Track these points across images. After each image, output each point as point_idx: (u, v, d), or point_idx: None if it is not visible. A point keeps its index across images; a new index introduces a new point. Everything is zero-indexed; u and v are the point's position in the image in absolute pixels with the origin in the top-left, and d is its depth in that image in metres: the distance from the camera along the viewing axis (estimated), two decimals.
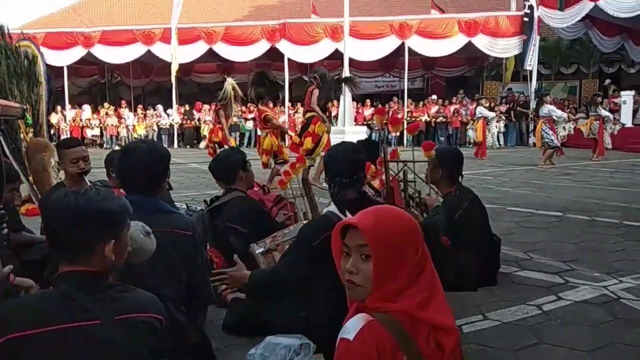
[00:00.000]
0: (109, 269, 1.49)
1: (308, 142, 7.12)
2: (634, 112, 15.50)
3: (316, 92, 7.34)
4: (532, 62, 17.55)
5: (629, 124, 15.26)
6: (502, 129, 17.93)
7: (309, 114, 7.46)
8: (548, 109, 10.95)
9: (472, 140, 17.22)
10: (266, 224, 3.36)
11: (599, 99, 12.65)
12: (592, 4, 15.25)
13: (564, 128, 12.05)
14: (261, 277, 2.58)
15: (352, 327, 1.24)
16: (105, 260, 1.45)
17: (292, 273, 2.43)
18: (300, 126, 7.58)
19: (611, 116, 13.17)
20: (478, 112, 13.50)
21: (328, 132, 7.47)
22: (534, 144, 16.65)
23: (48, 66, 6.59)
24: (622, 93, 16.09)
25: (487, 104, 14.04)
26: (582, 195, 6.91)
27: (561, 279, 3.49)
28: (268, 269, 2.75)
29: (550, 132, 10.69)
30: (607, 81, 17.14)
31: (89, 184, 3.23)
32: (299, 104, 19.37)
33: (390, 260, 1.26)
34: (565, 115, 11.83)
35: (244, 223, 3.26)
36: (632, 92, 16.10)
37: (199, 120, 19.45)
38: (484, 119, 13.18)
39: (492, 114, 13.53)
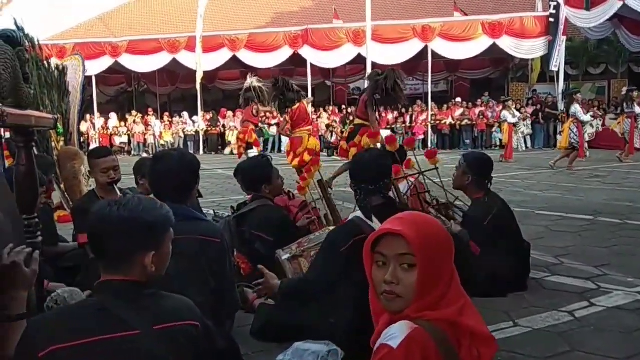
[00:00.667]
0: (150, 279, 1.49)
1: (352, 152, 6.70)
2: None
3: (370, 100, 6.71)
4: (558, 63, 17.23)
5: None
6: (530, 131, 17.63)
7: (358, 121, 6.98)
8: (575, 108, 10.66)
9: (498, 143, 17.07)
10: (290, 232, 3.38)
11: (635, 93, 12.12)
12: (620, 3, 14.92)
13: (591, 125, 11.61)
14: (292, 285, 2.60)
15: (396, 333, 1.20)
16: (145, 271, 1.47)
17: (321, 279, 2.44)
18: (348, 132, 7.12)
19: None
20: (502, 116, 13.32)
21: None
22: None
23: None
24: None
25: (514, 106, 13.73)
26: (613, 198, 6.75)
27: (593, 284, 3.42)
28: (297, 277, 2.76)
29: (577, 132, 10.41)
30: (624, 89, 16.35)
31: (119, 193, 3.30)
32: (329, 110, 19.50)
33: (434, 269, 1.24)
34: (589, 118, 11.36)
35: (269, 231, 3.29)
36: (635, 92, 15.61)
37: (223, 126, 19.66)
38: (509, 124, 13.01)
39: (514, 119, 13.20)
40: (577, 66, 19.74)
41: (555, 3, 16.99)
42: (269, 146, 19.11)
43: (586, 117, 10.98)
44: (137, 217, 1.45)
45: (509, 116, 13.07)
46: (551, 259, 4.00)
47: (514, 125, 12.97)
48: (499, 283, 3.24)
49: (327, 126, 18.42)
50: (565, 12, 16.56)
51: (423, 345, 1.17)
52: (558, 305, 3.05)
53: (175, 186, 2.23)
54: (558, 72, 17.41)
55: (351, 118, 7.27)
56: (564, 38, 17.14)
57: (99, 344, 1.35)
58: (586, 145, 11.13)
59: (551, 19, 17.14)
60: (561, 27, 16.81)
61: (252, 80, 9.64)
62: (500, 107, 14.98)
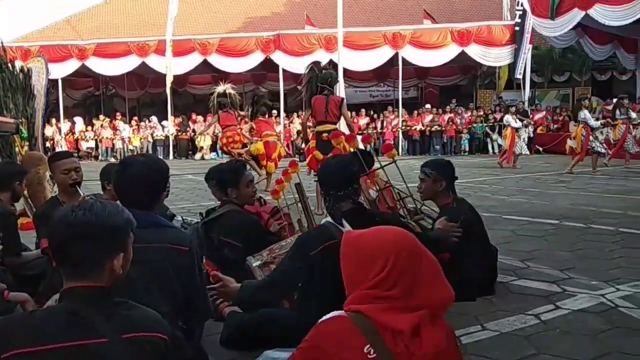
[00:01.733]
0: (115, 283, 1.47)
1: None
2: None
3: (345, 102, 6.51)
4: (522, 71, 17.66)
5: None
6: (497, 137, 18.00)
7: (331, 127, 6.34)
8: (584, 114, 10.69)
9: (496, 149, 17.42)
10: (260, 238, 3.34)
11: (625, 101, 12.31)
12: (582, 13, 15.40)
13: (601, 132, 11.66)
14: (254, 285, 2.55)
15: (325, 317, 1.50)
16: (113, 275, 1.45)
17: (286, 280, 2.41)
18: (315, 140, 6.56)
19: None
20: (505, 121, 13.27)
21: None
22: (532, 151, 16.73)
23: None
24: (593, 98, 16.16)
25: (515, 112, 13.64)
26: (578, 203, 6.93)
27: (559, 287, 3.49)
28: (261, 278, 2.73)
29: (591, 138, 10.54)
30: (584, 97, 16.62)
31: (82, 194, 3.21)
32: (301, 115, 19.46)
33: (352, 272, 1.52)
34: (598, 123, 11.38)
35: (238, 237, 3.25)
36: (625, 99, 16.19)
37: (194, 131, 19.45)
38: (512, 128, 12.89)
39: (518, 124, 13.10)
40: (542, 74, 20.28)
41: (520, 12, 17.44)
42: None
43: (596, 123, 11.02)
44: (104, 221, 1.43)
45: (512, 121, 13.01)
46: (518, 263, 4.08)
47: (517, 130, 12.80)
48: (468, 287, 3.28)
49: (298, 132, 18.39)
50: (531, 20, 17.01)
51: (341, 326, 1.45)
52: (525, 309, 3.11)
53: (143, 192, 2.17)
54: (524, 80, 17.84)
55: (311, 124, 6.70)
56: (530, 46, 17.58)
57: (64, 351, 1.32)
58: (605, 149, 11.15)
59: (517, 27, 17.58)
60: (527, 36, 17.25)
61: (226, 86, 9.74)
62: (502, 113, 15.17)
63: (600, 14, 15.08)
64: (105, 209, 1.45)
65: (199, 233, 3.44)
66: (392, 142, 15.74)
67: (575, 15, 15.68)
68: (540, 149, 16.81)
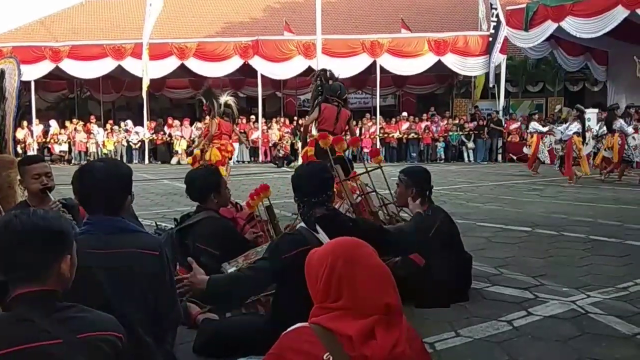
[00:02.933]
0: (63, 286, 1.48)
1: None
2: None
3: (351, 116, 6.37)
4: (493, 80, 17.98)
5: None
6: (472, 145, 18.30)
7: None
8: (620, 123, 10.70)
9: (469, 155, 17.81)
10: (236, 245, 3.32)
11: (618, 111, 12.23)
12: (555, 25, 15.79)
13: (633, 138, 11.70)
14: (222, 280, 2.51)
15: (289, 329, 1.60)
16: (61, 278, 1.45)
17: (255, 277, 2.38)
18: (314, 147, 6.42)
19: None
20: (532, 128, 13.24)
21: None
22: (506, 160, 16.99)
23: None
24: (587, 111, 16.55)
25: (539, 120, 13.60)
26: (550, 211, 7.06)
27: (531, 294, 3.54)
28: (229, 273, 2.70)
29: (622, 145, 10.61)
30: (558, 107, 16.51)
31: (52, 199, 3.14)
32: (280, 121, 19.43)
33: (309, 285, 1.63)
34: (631, 130, 11.38)
35: (214, 244, 3.22)
36: (596, 110, 16.64)
37: (169, 135, 19.25)
38: (538, 134, 12.82)
39: (545, 129, 12.97)
40: (516, 84, 20.68)
41: (495, 22, 17.79)
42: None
43: (630, 130, 11.15)
44: (51, 224, 1.44)
45: (539, 126, 12.98)
46: (491, 270, 4.13)
47: (544, 136, 12.66)
48: (443, 294, 3.31)
49: (281, 138, 18.34)
50: (506, 31, 17.35)
51: (302, 337, 1.54)
52: (497, 315, 3.14)
53: (105, 198, 2.11)
54: (499, 89, 18.17)
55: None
56: (503, 56, 17.91)
57: (18, 354, 1.31)
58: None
59: (490, 38, 17.93)
60: (498, 45, 17.57)
61: (228, 98, 9.78)
62: (526, 120, 15.11)
63: (572, 26, 15.49)
64: (47, 214, 1.48)
65: (173, 239, 3.40)
66: (377, 148, 15.84)
67: (548, 27, 16.07)
68: (514, 157, 17.11)
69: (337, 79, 6.64)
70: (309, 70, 17.73)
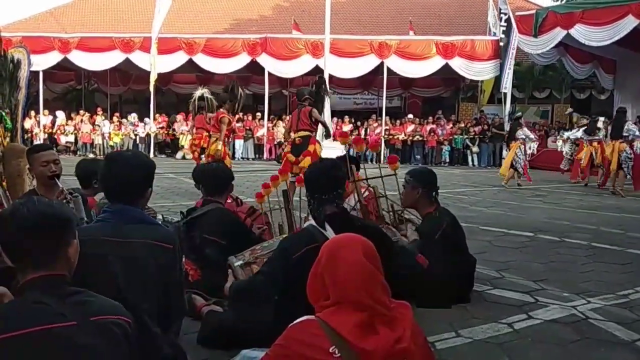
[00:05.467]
0: (70, 271, 1.52)
1: (307, 162, 6.49)
2: (604, 137, 15.89)
3: (315, 111, 7.11)
4: (507, 85, 17.96)
5: None
6: (476, 150, 18.30)
7: (303, 133, 7.12)
8: (628, 127, 10.22)
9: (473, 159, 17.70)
10: (243, 237, 3.36)
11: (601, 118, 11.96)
12: (564, 32, 15.77)
13: None
14: (239, 287, 2.58)
15: (296, 321, 1.66)
16: (69, 262, 1.50)
17: (269, 283, 2.44)
18: (290, 145, 7.21)
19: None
20: (522, 134, 11.81)
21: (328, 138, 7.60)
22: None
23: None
24: (599, 118, 16.50)
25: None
26: (553, 217, 7.08)
27: (532, 298, 3.57)
28: (246, 279, 2.75)
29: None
30: (569, 110, 16.38)
31: (61, 187, 3.17)
32: (285, 119, 19.44)
33: (311, 287, 1.73)
34: None
35: (222, 235, 3.26)
36: (603, 118, 16.58)
37: (173, 130, 19.36)
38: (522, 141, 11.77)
39: (534, 139, 12.58)
40: (523, 89, 20.66)
41: (504, 28, 17.76)
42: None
43: None
44: (57, 210, 1.49)
45: (530, 133, 12.32)
46: (493, 273, 4.15)
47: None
48: (445, 295, 3.34)
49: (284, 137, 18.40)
50: (517, 37, 17.32)
51: (308, 329, 1.60)
52: (498, 317, 3.17)
53: (129, 188, 2.18)
54: (505, 95, 18.15)
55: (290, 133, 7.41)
56: (513, 62, 17.89)
57: (35, 335, 1.35)
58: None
59: (501, 43, 17.89)
60: (512, 52, 17.53)
61: (204, 91, 9.81)
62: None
63: (581, 34, 15.47)
64: (52, 202, 1.54)
65: (180, 232, 3.44)
66: (395, 155, 15.86)
67: (558, 34, 16.04)
68: None
69: (323, 86, 7.66)
70: (317, 69, 17.80)
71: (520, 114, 13.69)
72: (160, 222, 4.27)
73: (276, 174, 4.16)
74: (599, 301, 3.52)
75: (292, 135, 7.31)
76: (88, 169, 3.62)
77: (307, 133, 7.13)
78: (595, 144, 10.81)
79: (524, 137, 11.16)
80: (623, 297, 3.62)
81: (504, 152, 13.04)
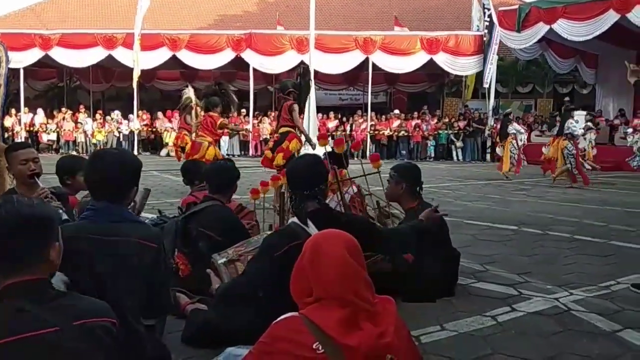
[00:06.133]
0: (52, 273, 1.49)
1: (279, 158, 6.61)
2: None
3: (296, 107, 6.91)
4: (489, 80, 18.09)
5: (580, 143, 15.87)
6: (461, 144, 18.44)
7: (284, 129, 6.96)
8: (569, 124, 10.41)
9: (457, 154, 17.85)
10: (240, 236, 3.35)
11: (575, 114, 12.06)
12: (547, 27, 15.93)
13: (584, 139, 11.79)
14: (225, 288, 2.58)
15: (280, 318, 1.65)
16: (51, 265, 1.46)
17: (253, 281, 2.43)
18: (273, 141, 7.11)
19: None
20: (512, 129, 11.97)
21: (313, 149, 7.08)
22: (494, 159, 17.08)
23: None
24: (575, 113, 16.76)
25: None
26: (536, 210, 7.16)
27: (515, 291, 3.61)
28: (230, 282, 2.74)
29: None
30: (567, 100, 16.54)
31: (41, 186, 3.13)
32: (271, 115, 19.36)
33: (294, 285, 1.73)
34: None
35: (218, 230, 3.26)
36: (584, 112, 16.83)
37: (155, 127, 19.25)
38: (513, 136, 11.92)
39: (524, 132, 12.53)
40: (506, 84, 20.83)
41: (487, 22, 17.89)
42: None
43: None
44: (36, 211, 1.43)
45: (520, 128, 12.12)
46: (477, 266, 4.19)
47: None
48: (430, 289, 3.36)
49: (271, 133, 18.33)
50: (498, 32, 17.46)
51: (292, 326, 1.60)
52: (482, 310, 3.20)
53: (115, 186, 2.16)
54: (489, 90, 18.29)
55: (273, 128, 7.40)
56: (496, 57, 18.04)
57: (18, 343, 1.32)
58: None
59: (485, 38, 18.02)
60: (495, 47, 17.68)
61: (191, 93, 9.72)
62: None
63: (564, 29, 15.63)
64: (32, 201, 1.47)
65: (178, 226, 3.44)
66: (377, 153, 15.91)
67: (540, 29, 16.20)
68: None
69: (307, 77, 7.46)
70: (302, 65, 17.76)
71: (509, 110, 13.82)
72: (155, 217, 4.26)
73: (278, 175, 4.10)
74: (581, 293, 3.56)
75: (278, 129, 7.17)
76: (66, 166, 3.56)
77: (287, 129, 6.94)
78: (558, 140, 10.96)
79: (514, 131, 11.35)
80: (605, 289, 3.67)
81: (498, 149, 12.96)
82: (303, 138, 7.22)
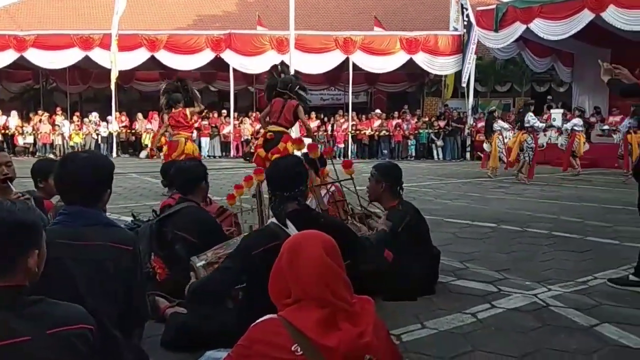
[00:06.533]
0: (31, 281, 1.44)
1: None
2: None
3: (301, 108, 6.71)
4: (467, 79, 18.28)
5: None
6: (441, 143, 18.59)
7: (278, 129, 6.61)
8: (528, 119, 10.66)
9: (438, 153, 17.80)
10: (217, 238, 3.31)
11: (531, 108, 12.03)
12: (524, 27, 16.14)
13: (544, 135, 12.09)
14: (197, 284, 2.55)
15: (258, 320, 1.65)
16: (29, 273, 1.42)
17: (227, 279, 2.41)
18: (263, 138, 6.76)
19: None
20: (497, 127, 11.95)
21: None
22: (474, 157, 17.30)
23: None
24: (552, 111, 17.07)
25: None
26: (515, 207, 7.25)
27: (495, 287, 3.64)
28: (202, 278, 2.72)
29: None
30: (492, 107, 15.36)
31: (14, 190, 3.06)
32: (252, 116, 19.27)
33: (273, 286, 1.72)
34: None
35: (194, 232, 3.22)
36: (561, 110, 17.11)
37: (134, 129, 19.02)
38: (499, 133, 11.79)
39: (509, 129, 11.91)
40: (485, 83, 21.07)
41: (466, 22, 18.08)
42: None
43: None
44: (16, 217, 1.39)
45: (506, 125, 12.01)
46: (457, 264, 4.22)
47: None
48: (410, 288, 3.38)
49: (252, 134, 18.24)
50: (476, 32, 17.64)
51: (271, 328, 1.59)
52: (462, 308, 3.22)
53: (86, 190, 2.11)
54: (468, 89, 18.47)
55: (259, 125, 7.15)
56: (474, 56, 18.23)
57: None
58: None
59: (464, 38, 18.20)
60: (473, 46, 17.87)
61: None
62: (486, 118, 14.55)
63: (540, 28, 15.86)
64: (15, 206, 1.43)
65: (152, 230, 3.38)
66: (350, 160, 15.93)
67: (517, 29, 16.41)
68: (482, 155, 17.42)
69: (286, 72, 7.15)
70: (282, 64, 17.68)
71: (494, 107, 13.89)
72: (129, 222, 4.19)
73: (250, 175, 4.07)
74: (559, 289, 3.61)
75: (268, 126, 6.83)
76: (38, 169, 3.50)
77: (282, 129, 6.64)
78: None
79: (499, 128, 11.48)
80: (582, 284, 3.73)
81: (485, 146, 12.98)
82: (307, 140, 6.97)
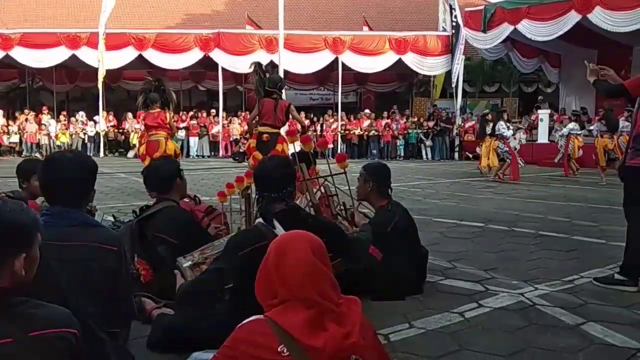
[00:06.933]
0: (19, 285, 1.41)
1: None
2: (550, 129, 16.56)
3: (293, 107, 6.68)
4: (455, 80, 18.38)
5: (545, 140, 16.29)
6: (430, 143, 18.68)
7: (272, 130, 6.55)
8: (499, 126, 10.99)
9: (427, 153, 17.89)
10: (197, 235, 3.29)
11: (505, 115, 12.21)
12: (511, 27, 16.28)
13: (514, 138, 12.32)
14: (187, 286, 2.53)
15: (244, 321, 1.63)
16: (15, 276, 1.38)
17: (215, 280, 2.39)
18: (256, 141, 6.62)
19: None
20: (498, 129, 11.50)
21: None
22: (463, 158, 17.45)
23: None
24: (539, 111, 17.24)
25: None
26: (502, 207, 7.30)
27: (482, 287, 3.66)
28: (191, 280, 2.70)
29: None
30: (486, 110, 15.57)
31: None
32: (241, 116, 19.19)
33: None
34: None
35: (174, 233, 3.18)
36: (549, 111, 17.28)
37: (122, 128, 18.87)
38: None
39: (510, 132, 11.76)
40: (474, 84, 21.20)
41: (454, 23, 18.18)
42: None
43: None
44: (6, 218, 1.36)
45: (506, 129, 11.53)
46: (445, 264, 4.23)
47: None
48: (398, 287, 3.38)
49: (241, 134, 18.18)
50: (464, 33, 17.75)
51: (257, 329, 1.58)
52: (450, 307, 3.23)
53: (71, 190, 2.10)
54: (457, 89, 18.58)
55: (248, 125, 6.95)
56: (463, 57, 18.34)
57: None
58: None
59: (453, 39, 18.29)
60: (461, 47, 17.98)
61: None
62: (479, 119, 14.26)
63: (528, 29, 16.00)
64: (6, 207, 1.39)
65: (132, 231, 3.34)
66: (344, 153, 15.96)
67: (505, 30, 16.55)
68: (470, 155, 17.56)
69: (270, 70, 7.03)
70: (271, 64, 17.63)
71: (487, 111, 13.93)
72: (110, 223, 4.14)
73: (241, 176, 4.04)
74: (545, 288, 3.64)
75: (259, 127, 6.71)
76: (21, 169, 3.46)
77: (276, 130, 6.61)
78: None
79: (504, 131, 11.44)
80: (568, 283, 3.76)
81: (478, 149, 13.04)
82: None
